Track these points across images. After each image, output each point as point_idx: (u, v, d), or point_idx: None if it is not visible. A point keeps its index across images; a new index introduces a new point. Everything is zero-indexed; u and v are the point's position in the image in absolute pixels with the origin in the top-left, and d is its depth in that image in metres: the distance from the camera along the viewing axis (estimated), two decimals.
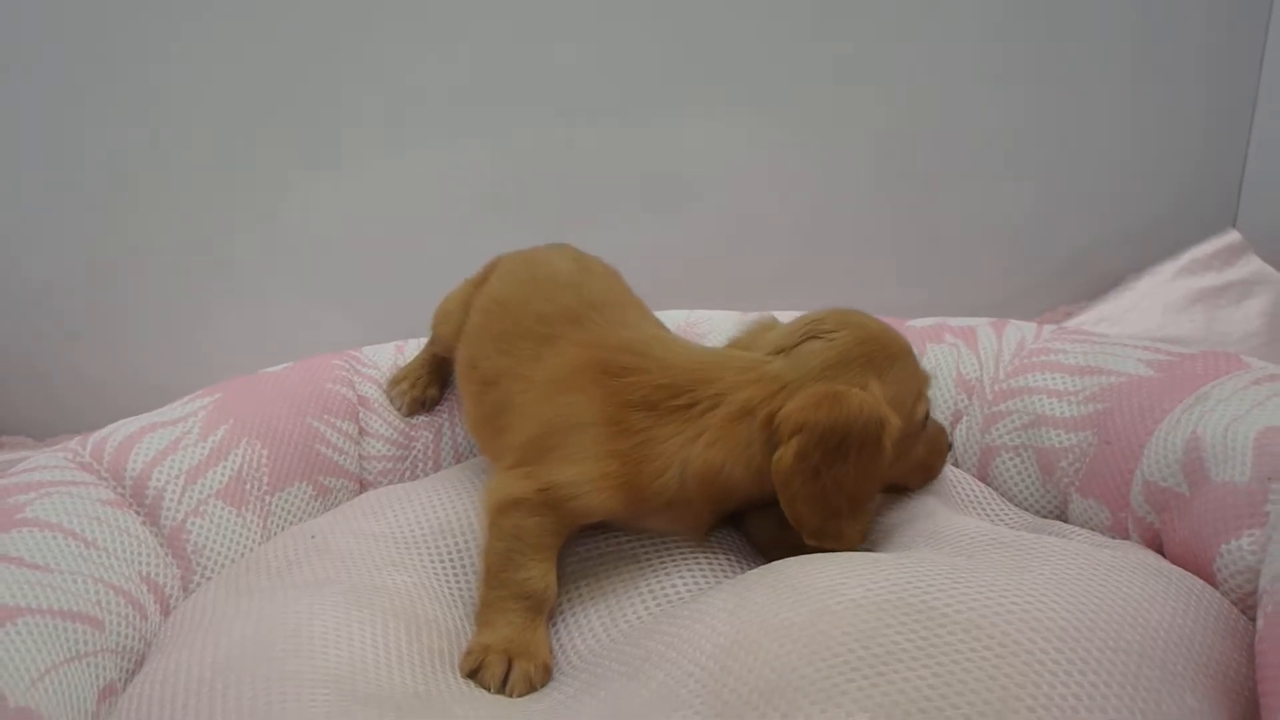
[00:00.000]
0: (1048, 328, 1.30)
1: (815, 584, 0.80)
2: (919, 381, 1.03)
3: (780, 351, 1.00)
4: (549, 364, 1.05)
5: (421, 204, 1.92)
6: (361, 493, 1.28)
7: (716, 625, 0.80)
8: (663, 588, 0.97)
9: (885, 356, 0.99)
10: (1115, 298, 2.07)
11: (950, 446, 1.13)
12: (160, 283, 1.91)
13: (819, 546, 0.94)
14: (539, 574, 0.95)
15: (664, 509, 0.98)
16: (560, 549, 0.99)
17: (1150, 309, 2.00)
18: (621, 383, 0.98)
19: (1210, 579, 0.85)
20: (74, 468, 1.08)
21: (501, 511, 0.97)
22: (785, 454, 0.92)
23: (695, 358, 1.02)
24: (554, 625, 0.98)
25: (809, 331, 1.00)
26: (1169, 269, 2.07)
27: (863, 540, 0.98)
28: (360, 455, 1.33)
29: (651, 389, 0.97)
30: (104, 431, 1.15)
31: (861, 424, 0.92)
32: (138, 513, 1.07)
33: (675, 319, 1.45)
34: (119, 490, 1.08)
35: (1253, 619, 0.78)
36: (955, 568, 0.80)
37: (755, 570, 0.90)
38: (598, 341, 1.04)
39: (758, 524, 1.06)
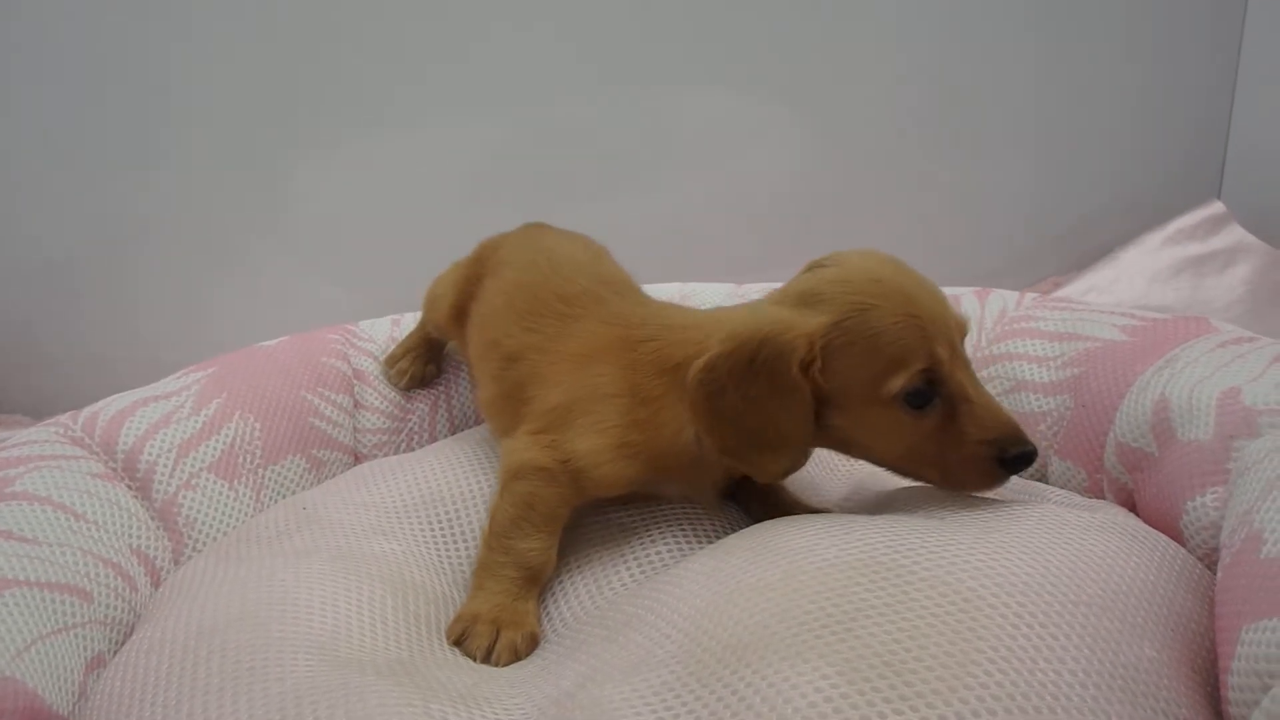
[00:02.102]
0: (1029, 296, 1.31)
1: (791, 545, 0.82)
2: (899, 349, 0.89)
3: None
4: (575, 339, 1.07)
5: (417, 181, 1.92)
6: (356, 465, 1.30)
7: (694, 588, 0.81)
8: (647, 555, 0.99)
9: (851, 304, 0.90)
10: (1103, 268, 2.08)
11: (1006, 468, 0.91)
12: (162, 262, 1.92)
13: (753, 475, 0.97)
14: (542, 547, 0.97)
15: (688, 469, 1.00)
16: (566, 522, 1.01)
17: (1136, 278, 2.02)
18: (639, 353, 1.00)
19: (1178, 536, 0.87)
20: (65, 442, 1.09)
21: (519, 476, 0.98)
22: (696, 366, 0.92)
23: (696, 318, 1.03)
24: (542, 595, 1.00)
25: (813, 264, 0.98)
26: (1155, 239, 2.08)
27: (782, 476, 0.97)
28: (355, 428, 1.35)
29: (662, 354, 0.99)
30: (95, 406, 1.16)
31: (768, 345, 0.89)
32: (129, 486, 1.08)
33: (669, 292, 1.47)
34: (110, 464, 1.09)
35: (1217, 573, 0.79)
36: (926, 528, 0.82)
37: (735, 534, 0.92)
38: (620, 319, 1.06)
39: (749, 492, 1.08)
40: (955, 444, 0.91)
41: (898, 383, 0.89)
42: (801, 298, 0.93)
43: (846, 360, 0.90)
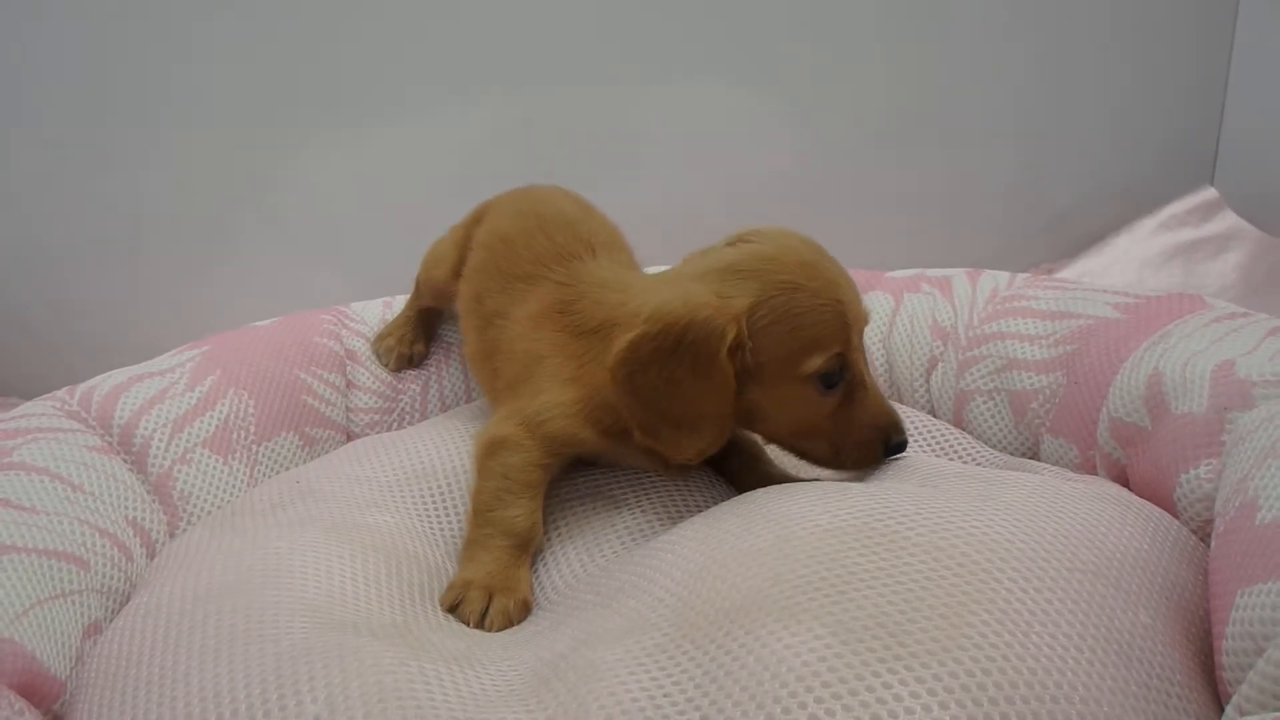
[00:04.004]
0: (1021, 276, 1.31)
1: (784, 512, 0.82)
2: (821, 332, 0.93)
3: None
4: (529, 304, 1.09)
5: (410, 169, 1.93)
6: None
7: (686, 553, 0.82)
8: (638, 524, 1.00)
9: (779, 284, 0.92)
10: (1095, 254, 2.08)
11: (887, 454, 0.99)
12: (158, 249, 1.92)
13: (666, 454, 0.96)
14: (525, 512, 0.97)
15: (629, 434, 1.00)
16: (546, 488, 1.02)
17: (1129, 264, 2.02)
18: (568, 314, 1.03)
19: (1171, 508, 0.88)
20: (61, 415, 1.09)
21: (489, 453, 1.00)
22: (620, 344, 0.92)
23: (622, 280, 1.05)
24: (534, 563, 1.00)
25: (735, 238, 1.00)
26: (1147, 225, 2.08)
27: (698, 459, 0.97)
28: (347, 407, 1.35)
29: (584, 315, 1.02)
30: (91, 382, 1.16)
31: (696, 329, 0.90)
32: (125, 460, 1.08)
33: None
34: (106, 438, 1.09)
35: (1209, 545, 0.80)
36: (920, 496, 0.82)
37: (727, 501, 0.92)
38: (569, 279, 1.08)
39: (737, 464, 1.09)
40: (848, 425, 0.97)
41: (815, 363, 0.93)
42: (725, 273, 0.94)
43: (769, 338, 0.93)
